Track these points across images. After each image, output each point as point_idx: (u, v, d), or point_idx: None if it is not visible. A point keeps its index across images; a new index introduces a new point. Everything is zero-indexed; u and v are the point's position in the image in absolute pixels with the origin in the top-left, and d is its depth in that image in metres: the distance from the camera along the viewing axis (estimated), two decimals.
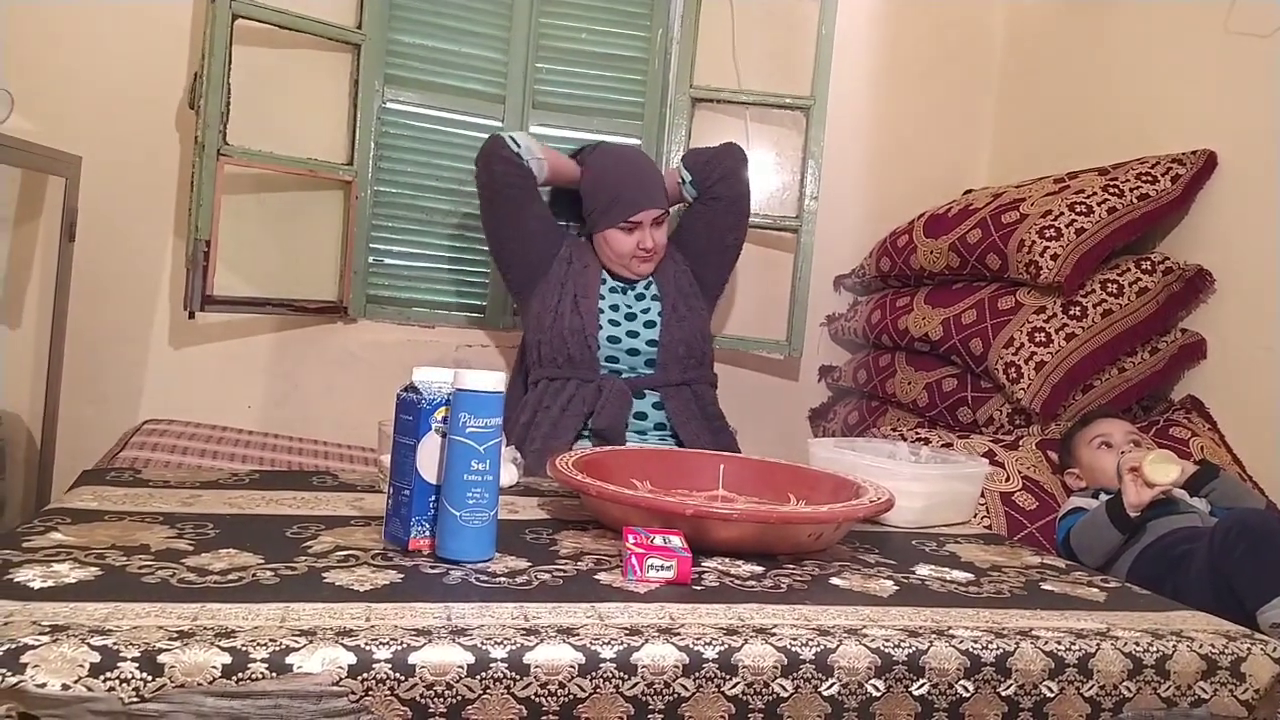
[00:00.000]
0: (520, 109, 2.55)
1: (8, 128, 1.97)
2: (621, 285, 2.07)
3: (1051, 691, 0.90)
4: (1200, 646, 0.96)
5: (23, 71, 2.07)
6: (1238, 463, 1.91)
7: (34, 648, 0.70)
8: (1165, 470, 1.49)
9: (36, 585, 0.83)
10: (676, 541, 1.03)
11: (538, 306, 2.05)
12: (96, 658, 0.70)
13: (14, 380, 2.14)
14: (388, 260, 2.51)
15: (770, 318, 2.60)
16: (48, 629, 0.72)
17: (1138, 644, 0.95)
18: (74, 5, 2.18)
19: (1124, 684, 0.92)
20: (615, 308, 2.03)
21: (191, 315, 2.15)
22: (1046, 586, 1.12)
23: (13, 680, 0.68)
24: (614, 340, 2.00)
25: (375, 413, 1.62)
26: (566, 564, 1.03)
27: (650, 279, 2.09)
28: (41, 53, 2.15)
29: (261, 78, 2.21)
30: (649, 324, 2.02)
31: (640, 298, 2.07)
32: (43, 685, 0.68)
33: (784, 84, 2.60)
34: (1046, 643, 0.92)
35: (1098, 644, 0.93)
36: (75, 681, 0.69)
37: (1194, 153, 2.09)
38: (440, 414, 1.02)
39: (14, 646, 0.69)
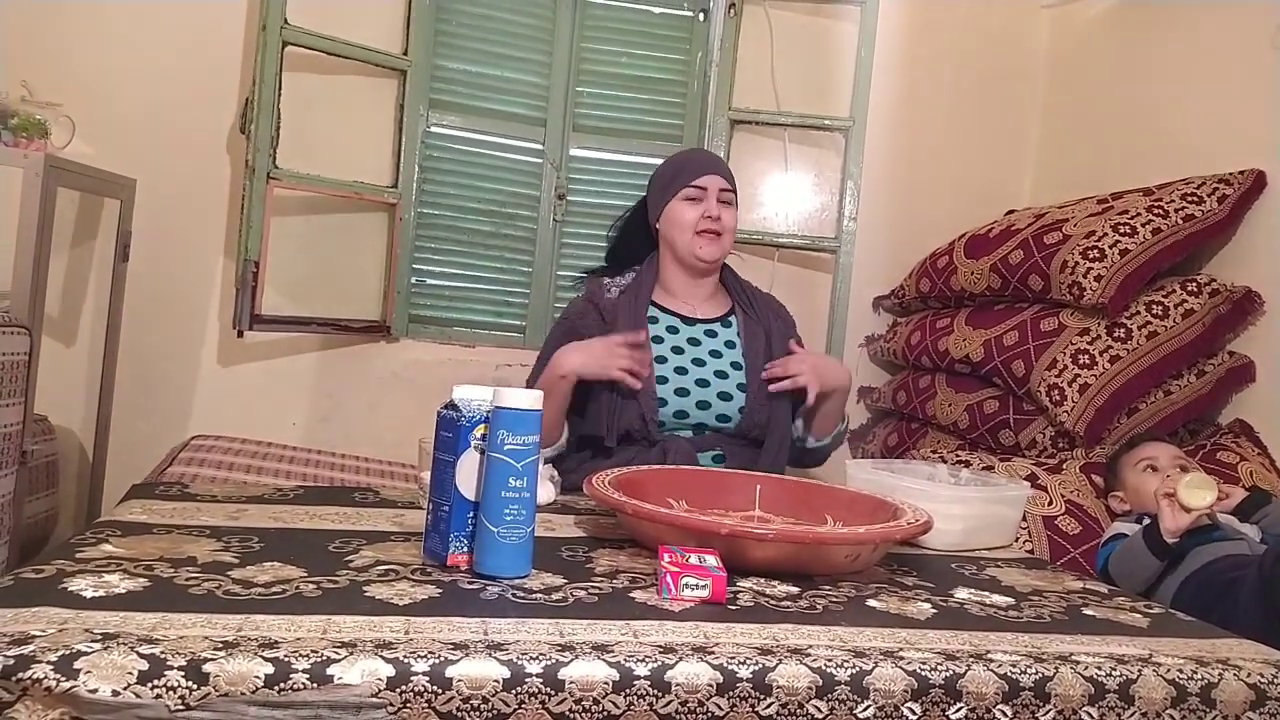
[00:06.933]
0: (561, 132, 2.58)
1: (68, 152, 2.04)
2: (680, 318, 1.80)
3: (1091, 718, 0.89)
4: (1248, 675, 0.94)
5: (83, 98, 2.14)
6: None
7: (86, 654, 0.72)
8: (1200, 494, 1.45)
9: (88, 594, 0.85)
10: (712, 561, 1.03)
11: (584, 398, 1.72)
12: (145, 665, 0.72)
13: (68, 396, 2.20)
14: (430, 281, 2.55)
15: (809, 339, 2.57)
16: (99, 637, 0.75)
17: (1181, 671, 0.93)
18: (132, 36, 2.26)
19: (1167, 711, 0.91)
20: (679, 350, 1.76)
21: (240, 334, 2.20)
22: (1088, 611, 1.10)
23: (66, 685, 0.70)
24: (682, 393, 1.71)
25: (416, 430, 1.64)
26: (602, 581, 1.03)
27: (730, 318, 1.83)
28: (100, 80, 2.23)
29: (310, 103, 2.27)
30: (719, 374, 1.75)
31: (711, 334, 1.80)
32: (94, 691, 0.70)
33: (823, 105, 2.61)
34: (1087, 668, 0.90)
35: (1139, 670, 0.92)
36: (125, 688, 0.71)
37: (1241, 173, 2.06)
38: (479, 431, 1.03)
39: (68, 653, 0.72)
